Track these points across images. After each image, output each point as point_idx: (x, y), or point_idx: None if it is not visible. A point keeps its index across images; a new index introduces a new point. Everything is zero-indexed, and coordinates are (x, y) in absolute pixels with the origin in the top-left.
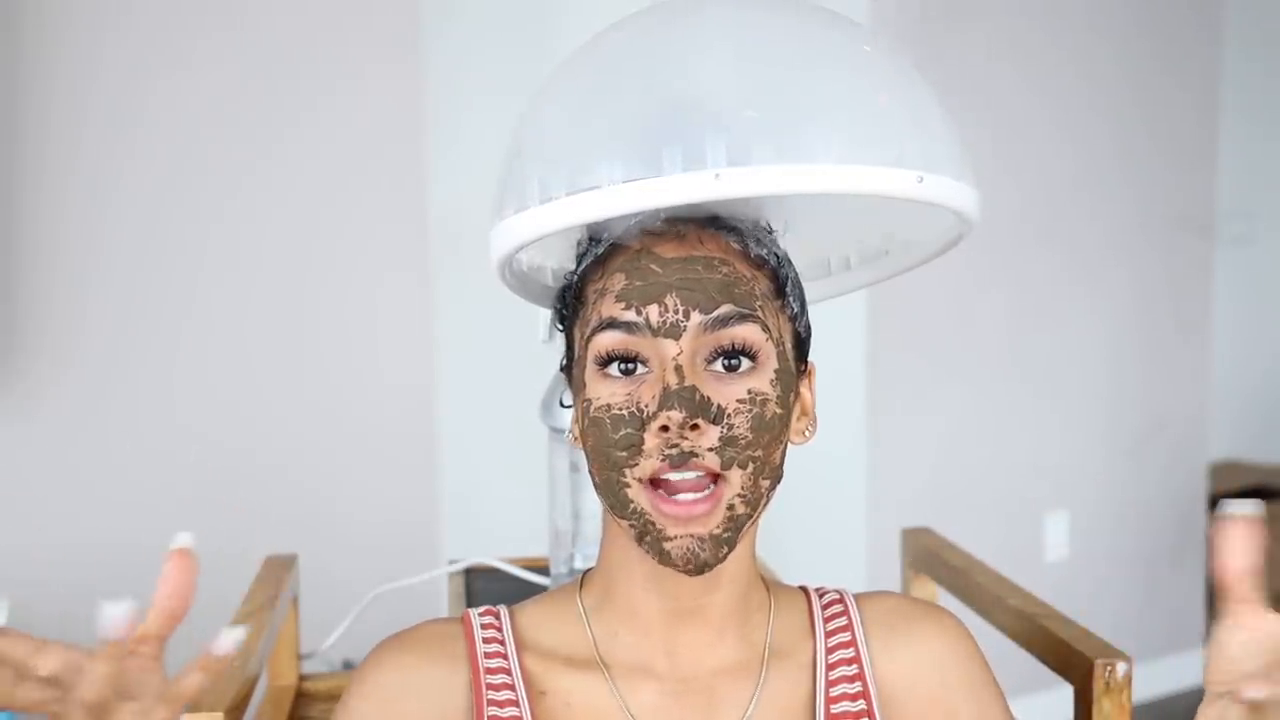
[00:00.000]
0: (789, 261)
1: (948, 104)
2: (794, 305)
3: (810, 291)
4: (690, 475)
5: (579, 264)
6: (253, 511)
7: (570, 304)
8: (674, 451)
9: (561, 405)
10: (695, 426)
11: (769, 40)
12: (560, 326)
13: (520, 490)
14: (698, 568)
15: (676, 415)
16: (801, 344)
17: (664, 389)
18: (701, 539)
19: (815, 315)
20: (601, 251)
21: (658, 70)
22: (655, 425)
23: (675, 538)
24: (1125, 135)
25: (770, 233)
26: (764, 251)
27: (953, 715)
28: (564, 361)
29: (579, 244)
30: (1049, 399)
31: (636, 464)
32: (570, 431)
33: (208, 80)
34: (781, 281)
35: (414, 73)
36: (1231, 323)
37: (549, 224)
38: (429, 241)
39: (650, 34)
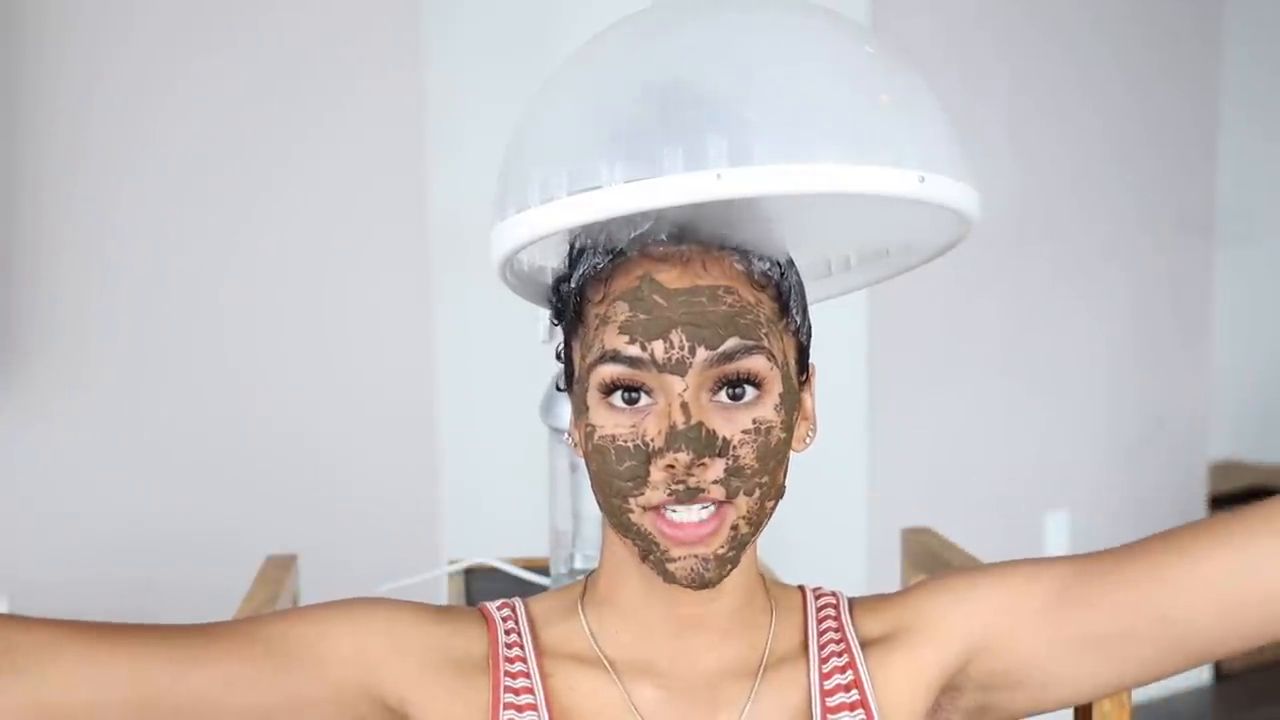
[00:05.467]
0: (791, 265)
1: (948, 104)
2: (797, 318)
3: (810, 291)
4: (695, 508)
5: (574, 266)
6: (253, 512)
7: (569, 315)
8: (680, 488)
9: (558, 389)
10: (702, 464)
11: (770, 40)
12: (556, 322)
13: (520, 490)
14: (701, 585)
15: (684, 457)
16: (804, 353)
17: (670, 427)
18: (705, 559)
19: (815, 315)
20: (601, 265)
21: (659, 70)
22: (662, 463)
23: (679, 558)
24: (1126, 135)
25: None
26: (767, 267)
27: (942, 627)
28: (558, 351)
29: (571, 244)
30: (1049, 399)
31: (641, 494)
32: (570, 436)
33: (211, 84)
34: (785, 298)
35: (415, 74)
36: (1231, 323)
37: (550, 224)
38: (429, 241)
39: (651, 34)
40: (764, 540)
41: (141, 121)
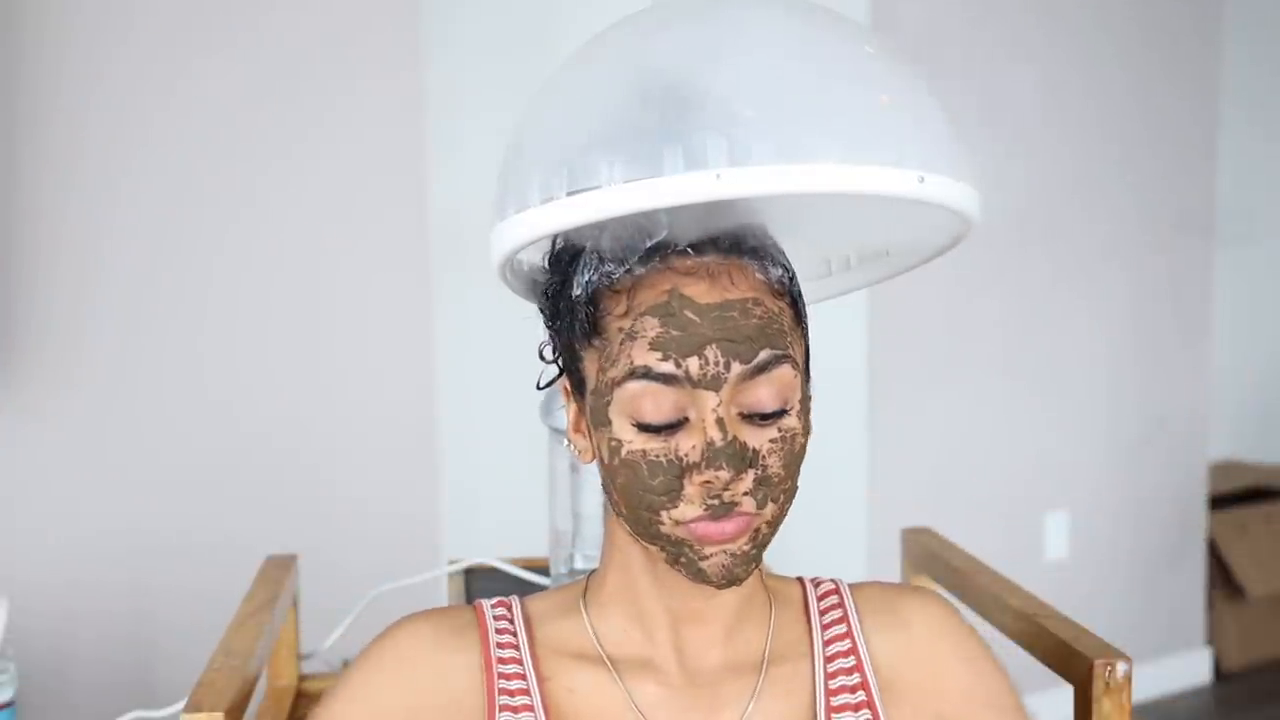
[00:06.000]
0: (792, 266)
1: (948, 104)
2: (806, 322)
3: (810, 292)
4: (729, 522)
5: (573, 271)
6: (253, 512)
7: (579, 323)
8: (716, 502)
9: (538, 387)
10: (739, 479)
11: (770, 40)
12: (550, 325)
13: (520, 490)
14: (730, 582)
15: (724, 475)
16: (808, 356)
17: (709, 444)
18: (735, 555)
19: (815, 315)
20: (617, 275)
21: (658, 70)
22: (699, 479)
23: (711, 555)
24: (1126, 135)
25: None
26: (780, 272)
27: (945, 686)
28: (541, 350)
29: (554, 246)
30: (1049, 399)
31: (675, 507)
32: (571, 443)
33: (211, 84)
34: (798, 303)
35: (415, 74)
36: (1231, 323)
37: (550, 224)
38: (429, 241)
39: (651, 33)
40: None
41: (140, 121)
